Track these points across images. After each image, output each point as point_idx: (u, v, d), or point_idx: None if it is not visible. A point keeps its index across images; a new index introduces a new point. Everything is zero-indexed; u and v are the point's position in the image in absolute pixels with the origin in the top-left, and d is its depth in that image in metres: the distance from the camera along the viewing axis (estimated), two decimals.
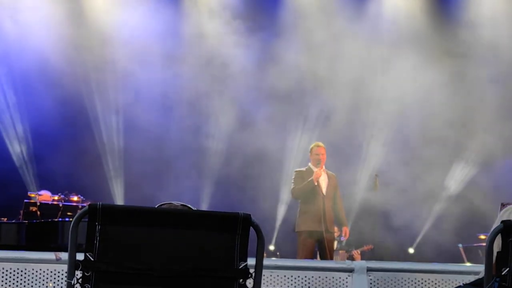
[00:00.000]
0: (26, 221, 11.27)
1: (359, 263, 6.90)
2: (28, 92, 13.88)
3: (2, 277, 6.23)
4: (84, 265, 2.85)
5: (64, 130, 13.96)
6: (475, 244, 12.24)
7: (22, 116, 13.95)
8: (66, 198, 11.87)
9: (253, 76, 14.50)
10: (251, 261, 2.99)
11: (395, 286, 6.79)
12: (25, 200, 11.74)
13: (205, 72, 14.55)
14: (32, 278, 6.26)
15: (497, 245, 2.75)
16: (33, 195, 11.93)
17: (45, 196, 11.85)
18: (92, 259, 2.84)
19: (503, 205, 3.03)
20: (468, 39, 14.59)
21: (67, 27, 14.20)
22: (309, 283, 6.70)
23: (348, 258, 12.60)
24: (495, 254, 2.75)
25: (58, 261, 6.24)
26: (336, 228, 10.47)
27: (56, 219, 11.18)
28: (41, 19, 14.06)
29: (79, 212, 2.90)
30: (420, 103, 14.60)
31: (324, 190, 9.98)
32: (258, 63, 14.54)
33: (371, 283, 6.73)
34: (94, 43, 14.29)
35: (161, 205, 3.25)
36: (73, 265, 2.85)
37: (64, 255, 6.20)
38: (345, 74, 14.50)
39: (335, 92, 14.53)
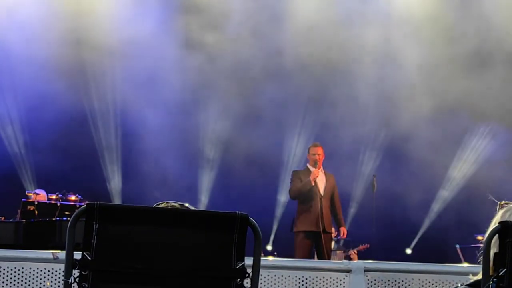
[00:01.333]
0: (24, 220, 11.26)
1: (357, 264, 6.90)
2: (26, 91, 13.86)
3: (0, 275, 6.23)
4: (81, 264, 2.85)
5: (62, 129, 13.94)
6: (473, 245, 12.23)
7: (20, 115, 13.93)
8: (64, 198, 11.86)
9: (252, 70, 14.46)
10: (249, 261, 2.99)
11: (392, 286, 6.80)
12: (23, 199, 11.73)
13: (199, 69, 14.53)
14: (30, 277, 6.25)
15: (495, 246, 2.75)
16: (30, 194, 11.92)
17: (43, 195, 11.84)
18: (89, 258, 2.84)
19: (501, 205, 3.03)
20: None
21: (63, 20, 14.18)
22: (306, 283, 6.70)
23: (345, 258, 12.61)
24: (492, 255, 2.75)
25: (55, 260, 6.24)
26: (333, 229, 10.48)
27: (53, 218, 11.17)
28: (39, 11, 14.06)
29: (76, 211, 2.90)
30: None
31: (322, 190, 9.99)
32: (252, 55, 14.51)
33: (368, 284, 6.73)
34: (92, 39, 14.27)
35: (159, 204, 3.26)
36: (71, 264, 2.85)
37: (62, 254, 6.19)
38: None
39: (336, 88, 14.52)
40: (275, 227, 14.28)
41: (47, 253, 6.38)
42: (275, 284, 6.63)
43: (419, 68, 14.48)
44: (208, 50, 14.58)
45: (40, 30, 13.98)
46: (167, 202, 3.27)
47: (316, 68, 14.49)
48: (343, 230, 10.30)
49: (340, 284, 6.72)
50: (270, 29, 14.57)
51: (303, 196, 9.99)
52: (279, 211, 14.26)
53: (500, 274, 2.72)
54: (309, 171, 10.04)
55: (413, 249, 14.59)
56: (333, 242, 11.39)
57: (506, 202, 3.09)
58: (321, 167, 10.08)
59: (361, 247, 13.05)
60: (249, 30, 14.49)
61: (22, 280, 6.23)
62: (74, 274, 2.87)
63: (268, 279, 6.62)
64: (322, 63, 14.39)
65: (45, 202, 11.68)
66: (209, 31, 14.56)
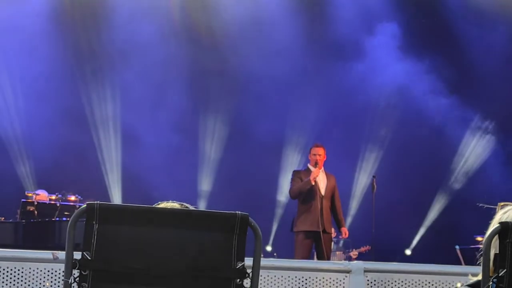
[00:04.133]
0: (24, 221, 11.27)
1: (356, 264, 6.90)
2: (26, 92, 13.85)
3: None
4: (81, 264, 2.84)
5: (62, 129, 13.94)
6: (472, 246, 12.24)
7: (19, 115, 13.93)
8: (64, 198, 11.87)
9: (257, 67, 14.44)
10: (249, 261, 3.00)
11: (392, 287, 6.80)
12: (23, 200, 11.74)
13: (196, 64, 14.53)
14: (29, 277, 6.25)
15: (494, 247, 2.75)
16: (30, 195, 11.93)
17: (43, 195, 11.84)
18: (89, 258, 2.84)
19: (501, 206, 3.03)
20: None
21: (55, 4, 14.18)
22: (306, 283, 6.70)
23: (346, 258, 12.62)
24: (492, 255, 2.75)
25: (55, 260, 6.24)
26: (333, 229, 10.47)
27: (53, 219, 11.18)
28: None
29: (76, 211, 2.90)
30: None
31: (322, 190, 9.99)
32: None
33: (368, 284, 6.74)
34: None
35: (159, 204, 3.25)
36: (71, 264, 2.85)
37: (61, 254, 6.19)
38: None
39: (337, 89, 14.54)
40: (275, 227, 14.28)
41: (47, 253, 6.38)
42: (275, 284, 6.64)
43: None
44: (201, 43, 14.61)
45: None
46: (167, 202, 3.27)
47: None
48: (345, 230, 10.30)
49: (340, 285, 6.72)
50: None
51: (303, 196, 9.99)
52: (279, 211, 14.26)
53: (500, 274, 2.72)
54: (309, 171, 10.04)
55: (412, 250, 14.59)
56: (332, 243, 11.38)
57: (506, 203, 3.08)
58: (322, 167, 10.08)
59: (362, 249, 13.03)
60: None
61: (21, 280, 6.23)
62: (74, 274, 2.87)
63: (268, 280, 6.62)
64: None
65: (45, 203, 11.69)
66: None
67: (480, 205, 8.11)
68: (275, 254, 13.65)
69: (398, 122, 14.54)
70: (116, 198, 13.94)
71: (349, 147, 14.37)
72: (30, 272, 6.25)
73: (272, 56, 14.45)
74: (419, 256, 14.01)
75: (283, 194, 14.09)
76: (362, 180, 14.45)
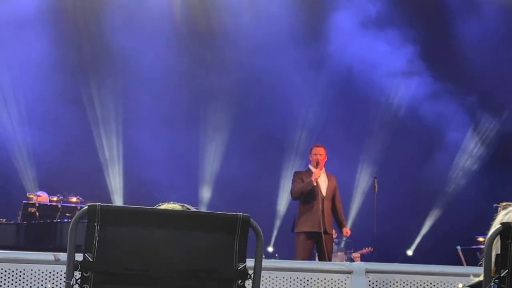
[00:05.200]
0: (25, 222, 11.27)
1: (358, 265, 6.90)
2: (26, 93, 13.86)
3: (1, 277, 6.23)
4: (83, 266, 2.84)
5: (63, 131, 13.95)
6: (474, 246, 12.24)
7: (21, 116, 13.94)
8: (65, 199, 11.87)
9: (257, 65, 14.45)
10: (250, 263, 3.00)
11: None
12: (24, 201, 11.74)
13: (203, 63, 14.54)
14: (31, 278, 6.25)
15: (496, 247, 2.75)
16: (31, 196, 11.93)
17: (44, 197, 11.85)
18: (91, 260, 2.84)
19: (502, 206, 3.03)
20: None
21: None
22: (307, 284, 6.70)
23: (346, 260, 12.61)
24: (494, 256, 2.75)
25: (57, 261, 6.24)
26: (333, 230, 10.47)
27: (55, 220, 11.18)
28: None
29: (78, 212, 2.90)
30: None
31: (324, 191, 9.98)
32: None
33: (369, 285, 6.73)
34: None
35: (160, 205, 3.25)
36: (72, 265, 2.85)
37: (63, 256, 6.19)
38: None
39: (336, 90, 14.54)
40: (276, 228, 14.28)
41: (49, 255, 6.38)
42: (276, 285, 6.63)
43: None
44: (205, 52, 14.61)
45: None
46: (168, 203, 3.27)
47: None
48: (346, 230, 10.29)
49: (341, 286, 6.72)
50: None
51: (305, 197, 9.99)
52: (280, 212, 14.26)
53: (501, 275, 2.72)
54: (310, 172, 10.03)
55: (414, 251, 14.59)
56: (333, 244, 11.38)
57: (507, 203, 3.08)
58: (323, 168, 10.08)
59: (364, 251, 13.03)
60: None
61: (23, 282, 6.23)
62: (76, 275, 2.87)
63: (269, 281, 6.62)
64: None
65: (46, 204, 11.69)
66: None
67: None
68: (276, 255, 13.66)
69: (398, 121, 14.54)
70: (118, 199, 13.95)
71: (350, 146, 14.37)
72: (31, 274, 6.25)
73: (272, 55, 14.46)
74: (420, 257, 14.01)
75: (284, 194, 14.09)
76: (363, 181, 14.45)
